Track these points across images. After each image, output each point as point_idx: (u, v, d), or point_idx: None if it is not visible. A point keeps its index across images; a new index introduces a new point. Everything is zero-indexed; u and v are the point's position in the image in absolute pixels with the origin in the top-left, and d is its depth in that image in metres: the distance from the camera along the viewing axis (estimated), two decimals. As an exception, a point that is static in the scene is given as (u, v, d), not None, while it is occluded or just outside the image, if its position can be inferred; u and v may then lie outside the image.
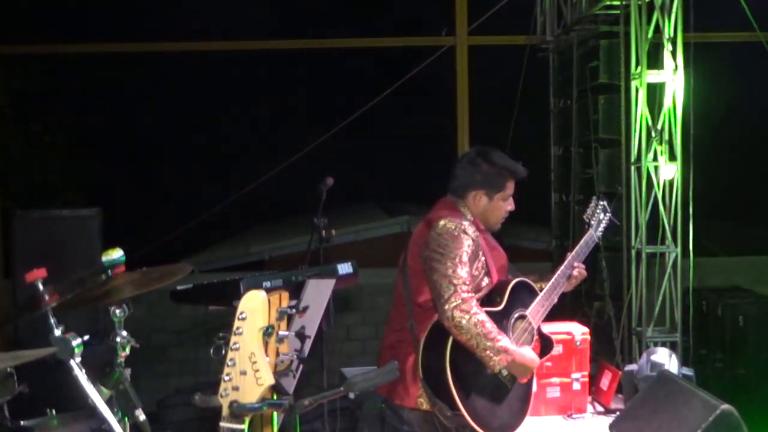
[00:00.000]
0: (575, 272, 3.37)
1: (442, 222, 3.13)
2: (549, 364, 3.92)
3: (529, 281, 3.30)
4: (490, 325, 3.02)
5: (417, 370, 3.12)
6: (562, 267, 3.36)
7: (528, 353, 3.15)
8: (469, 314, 2.99)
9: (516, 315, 3.20)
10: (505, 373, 3.10)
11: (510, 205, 3.31)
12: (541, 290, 3.29)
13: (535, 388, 3.44)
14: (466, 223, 3.15)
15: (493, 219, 3.29)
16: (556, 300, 3.34)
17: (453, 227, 3.11)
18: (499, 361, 3.02)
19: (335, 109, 9.12)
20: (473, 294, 3.07)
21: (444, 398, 3.04)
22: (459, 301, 3.00)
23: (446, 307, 3.01)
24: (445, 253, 3.07)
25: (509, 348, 3.05)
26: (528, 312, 3.23)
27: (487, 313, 3.07)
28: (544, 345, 3.32)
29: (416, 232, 3.27)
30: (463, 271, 3.05)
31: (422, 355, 3.11)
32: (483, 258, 3.18)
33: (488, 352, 3.01)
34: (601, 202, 3.57)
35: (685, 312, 5.74)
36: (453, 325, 3.01)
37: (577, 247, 3.43)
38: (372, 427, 4.13)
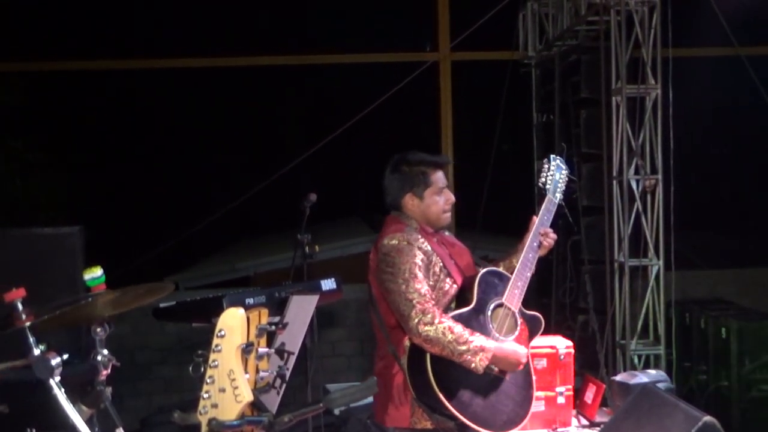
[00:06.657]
0: (544, 241, 3.27)
1: (385, 241, 3.09)
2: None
3: (496, 268, 3.22)
4: (458, 329, 2.96)
5: (406, 391, 3.09)
6: (528, 241, 3.24)
7: (508, 346, 3.07)
8: (434, 325, 2.94)
9: (492, 306, 3.13)
10: (494, 368, 3.03)
11: (447, 196, 3.22)
12: (511, 271, 3.19)
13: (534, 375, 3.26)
14: (409, 233, 3.10)
15: (434, 216, 3.20)
16: (530, 275, 3.22)
17: (396, 242, 3.06)
18: (480, 362, 2.96)
19: (320, 124, 9.13)
20: (433, 303, 3.02)
21: (441, 412, 3.00)
22: (420, 316, 2.95)
23: (410, 324, 2.97)
24: (394, 271, 3.02)
25: (485, 345, 2.98)
26: (504, 299, 3.15)
27: (460, 313, 3.03)
28: (532, 325, 3.23)
29: (370, 258, 3.21)
30: (417, 284, 3.00)
31: (409, 377, 3.08)
32: (440, 262, 3.13)
33: (466, 356, 2.95)
34: (554, 162, 3.38)
35: (668, 324, 5.78)
36: (422, 340, 2.96)
37: (538, 216, 3.32)
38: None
